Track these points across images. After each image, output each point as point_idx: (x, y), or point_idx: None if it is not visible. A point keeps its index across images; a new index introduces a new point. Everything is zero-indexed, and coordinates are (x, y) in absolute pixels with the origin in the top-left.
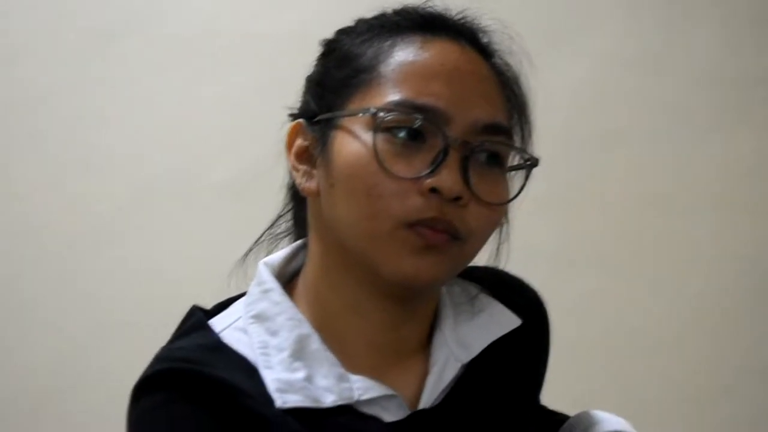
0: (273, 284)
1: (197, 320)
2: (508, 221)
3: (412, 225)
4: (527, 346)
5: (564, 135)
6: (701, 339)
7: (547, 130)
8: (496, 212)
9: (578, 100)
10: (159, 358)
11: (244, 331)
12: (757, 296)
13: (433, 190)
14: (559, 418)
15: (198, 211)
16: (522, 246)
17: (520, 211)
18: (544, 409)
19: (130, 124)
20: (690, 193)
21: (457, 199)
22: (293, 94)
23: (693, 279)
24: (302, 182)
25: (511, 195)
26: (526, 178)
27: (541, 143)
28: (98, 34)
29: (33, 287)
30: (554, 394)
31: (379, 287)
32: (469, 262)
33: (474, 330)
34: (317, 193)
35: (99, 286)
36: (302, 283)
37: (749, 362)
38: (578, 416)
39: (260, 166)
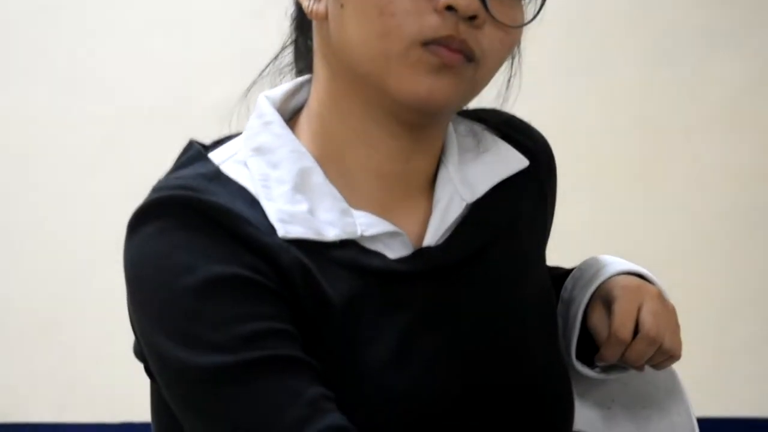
0: (274, 117)
1: (195, 152)
2: (520, 53)
3: (426, 44)
4: (534, 191)
5: (560, 49)
6: (704, 261)
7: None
8: (511, 35)
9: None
10: (156, 189)
11: (244, 164)
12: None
13: (449, 8)
14: (563, 271)
15: (193, 134)
16: None
17: None
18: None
19: (123, 47)
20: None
21: (473, 18)
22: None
23: (695, 200)
24: (309, 5)
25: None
26: (542, 4)
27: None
28: None
29: (27, 214)
30: None
31: (390, 113)
32: (482, 88)
33: (479, 169)
34: (325, 17)
35: (95, 209)
36: (306, 116)
37: (748, 287)
38: (586, 262)
39: (255, 91)
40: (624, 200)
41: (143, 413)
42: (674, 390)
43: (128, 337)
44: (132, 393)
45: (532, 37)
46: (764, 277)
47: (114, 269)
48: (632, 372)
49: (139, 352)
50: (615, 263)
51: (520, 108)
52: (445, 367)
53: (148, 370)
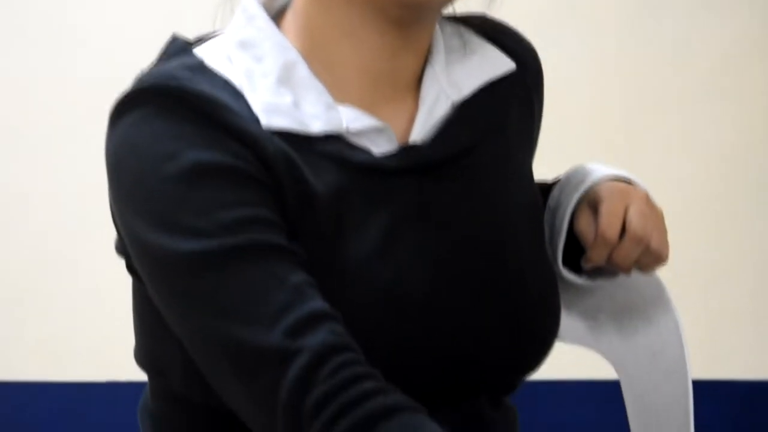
0: (258, 12)
1: (178, 46)
2: None
3: None
4: (521, 98)
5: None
6: (689, 232)
7: None
8: None
9: None
10: (139, 79)
11: (228, 58)
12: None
13: None
14: (550, 183)
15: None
16: None
17: None
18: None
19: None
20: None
21: None
22: None
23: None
24: None
25: None
26: None
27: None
28: None
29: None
30: None
31: (377, 8)
32: None
33: (466, 69)
34: None
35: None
36: (291, 13)
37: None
38: (573, 169)
39: None
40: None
41: (130, 373)
42: (661, 301)
43: (114, 296)
44: (118, 352)
45: None
46: (748, 247)
47: (100, 228)
48: (619, 282)
49: (121, 248)
50: (602, 169)
51: None
52: (431, 261)
53: (130, 267)
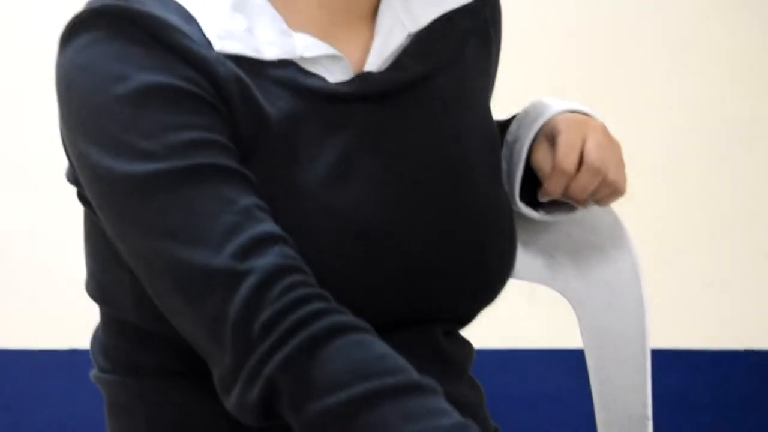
0: None
1: None
2: None
3: None
4: (479, 32)
5: None
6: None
7: None
8: None
9: None
10: (90, 1)
11: None
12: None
13: None
14: (506, 121)
15: None
16: None
17: None
18: None
19: None
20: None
21: None
22: None
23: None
24: None
25: None
26: None
27: None
28: None
29: None
30: None
31: None
32: None
33: (423, 0)
34: None
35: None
36: None
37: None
38: (531, 104)
39: None
40: None
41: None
42: (619, 238)
43: (75, 263)
44: (80, 320)
45: None
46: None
47: (58, 196)
48: (577, 219)
49: (72, 176)
50: (561, 103)
51: None
52: (386, 188)
53: (81, 196)
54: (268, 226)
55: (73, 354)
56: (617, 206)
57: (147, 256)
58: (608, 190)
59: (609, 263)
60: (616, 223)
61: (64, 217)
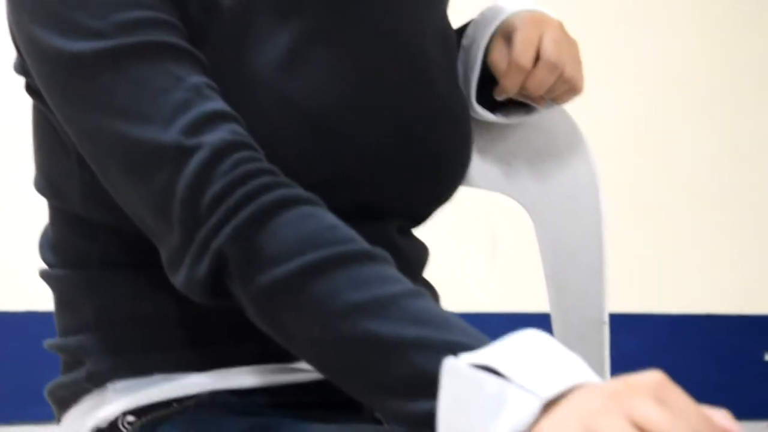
0: None
1: None
2: None
3: None
4: None
5: None
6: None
7: None
8: None
9: None
10: None
11: None
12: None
13: None
14: (462, 26)
15: None
16: None
17: None
18: None
19: None
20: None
21: None
22: None
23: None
24: None
25: None
26: None
27: None
28: None
29: None
30: None
31: None
32: None
33: None
34: None
35: None
36: None
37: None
38: (487, 7)
39: None
40: None
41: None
42: (577, 145)
43: (31, 223)
44: (38, 282)
45: None
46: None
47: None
48: (534, 126)
49: (20, 66)
50: (517, 3)
51: None
52: (341, 79)
53: (29, 88)
54: (218, 104)
55: (29, 316)
56: None
57: (95, 134)
58: (565, 86)
59: (566, 170)
60: (574, 130)
61: (22, 183)
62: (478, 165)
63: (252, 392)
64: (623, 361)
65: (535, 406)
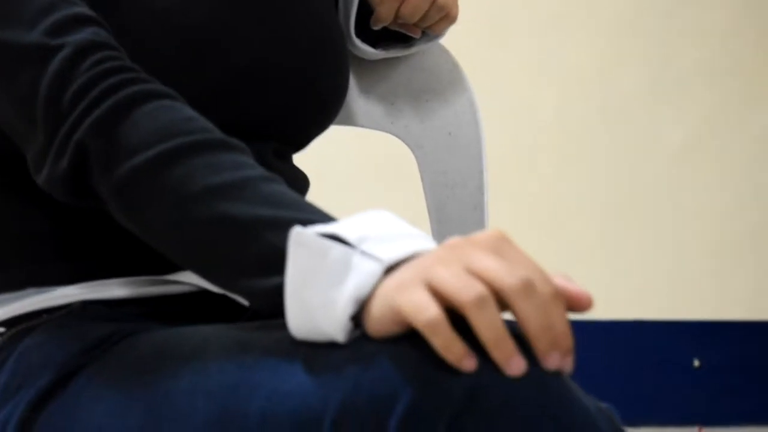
0: None
1: None
2: None
3: None
4: None
5: None
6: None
7: None
8: None
9: None
10: None
11: None
12: None
13: None
14: None
15: None
16: None
17: None
18: None
19: None
20: None
21: None
22: None
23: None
24: None
25: None
26: None
27: None
28: None
29: None
30: None
31: None
32: None
33: None
34: None
35: None
36: None
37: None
38: None
39: None
40: None
41: None
42: (457, 82)
43: None
44: None
45: None
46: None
47: None
48: (415, 65)
49: None
50: None
51: None
52: None
53: None
54: (84, 9)
55: None
56: None
57: None
58: (440, 14)
59: (448, 107)
60: (455, 68)
61: None
62: (362, 105)
63: (124, 303)
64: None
65: (378, 269)
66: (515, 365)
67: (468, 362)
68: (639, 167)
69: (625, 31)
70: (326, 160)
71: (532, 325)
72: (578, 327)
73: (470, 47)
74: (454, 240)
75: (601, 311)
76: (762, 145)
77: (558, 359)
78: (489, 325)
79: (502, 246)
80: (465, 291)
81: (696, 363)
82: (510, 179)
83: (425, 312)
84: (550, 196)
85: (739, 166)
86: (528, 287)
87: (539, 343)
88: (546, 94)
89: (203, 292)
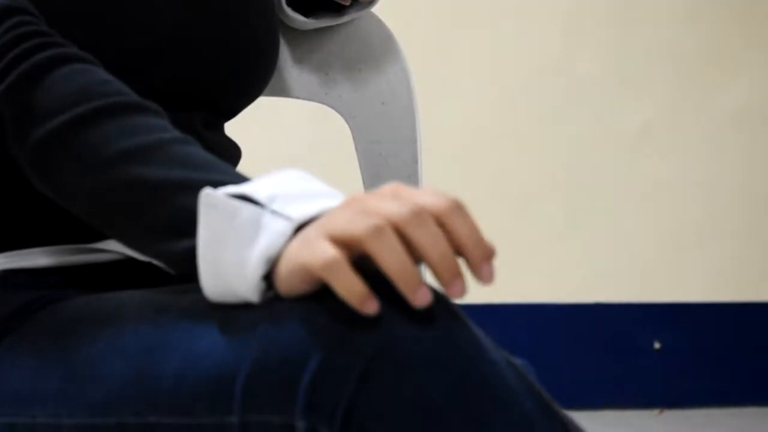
0: None
1: None
2: None
3: None
4: None
5: None
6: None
7: None
8: None
9: None
10: None
11: None
12: None
13: None
14: None
15: None
16: None
17: None
18: None
19: None
20: None
21: None
22: None
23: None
24: None
25: None
26: None
27: None
28: None
29: None
30: None
31: None
32: None
33: None
34: None
35: None
36: None
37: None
38: None
39: None
40: None
41: None
42: (391, 51)
43: None
44: None
45: None
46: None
47: None
48: (349, 35)
49: None
50: None
51: None
52: None
53: None
54: None
55: None
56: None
57: None
58: None
59: (381, 75)
60: (389, 37)
61: None
62: (295, 76)
63: (47, 272)
64: (516, 352)
65: (288, 228)
66: (422, 295)
67: (370, 304)
68: (600, 150)
69: (586, 14)
70: (272, 138)
71: (429, 254)
72: (540, 310)
73: (431, 31)
74: (355, 194)
75: (562, 294)
76: (722, 129)
77: (461, 287)
78: (389, 253)
79: (401, 192)
80: (359, 225)
81: (657, 345)
82: (470, 164)
83: (322, 256)
84: (510, 180)
85: (700, 149)
86: (420, 215)
87: (441, 270)
88: (506, 77)
89: (129, 261)
